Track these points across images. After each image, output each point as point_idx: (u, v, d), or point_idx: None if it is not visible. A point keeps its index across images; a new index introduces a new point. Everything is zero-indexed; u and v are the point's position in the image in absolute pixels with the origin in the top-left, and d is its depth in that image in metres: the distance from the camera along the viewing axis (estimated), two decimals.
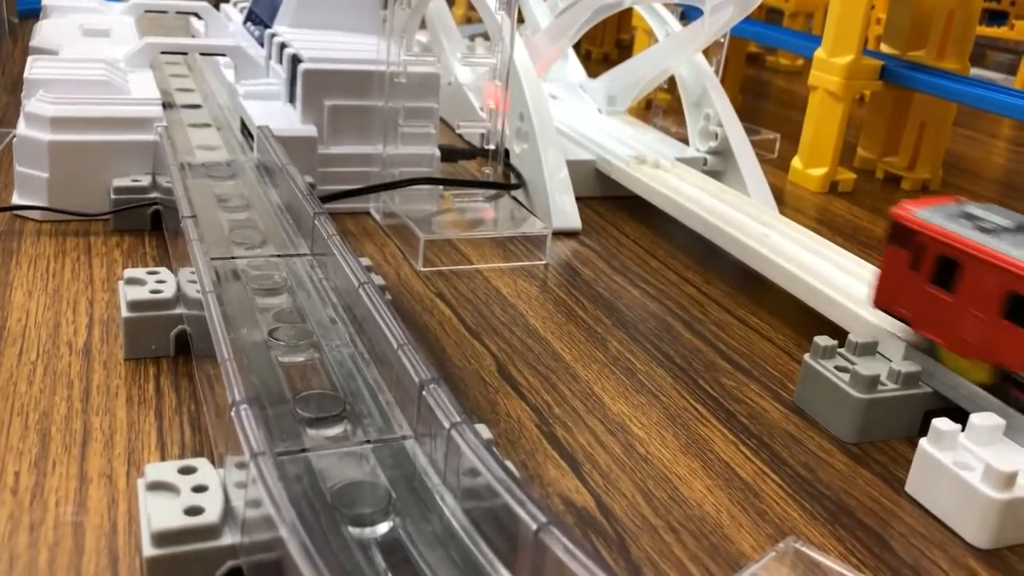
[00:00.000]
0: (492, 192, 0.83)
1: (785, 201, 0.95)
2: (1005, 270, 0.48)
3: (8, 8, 1.39)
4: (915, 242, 0.52)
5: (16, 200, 0.72)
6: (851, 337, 0.55)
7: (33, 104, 0.72)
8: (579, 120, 1.01)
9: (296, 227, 0.60)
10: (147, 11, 1.09)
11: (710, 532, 0.44)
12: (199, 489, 0.37)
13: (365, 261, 0.63)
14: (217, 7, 1.10)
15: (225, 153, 0.75)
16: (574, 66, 1.17)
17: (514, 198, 0.84)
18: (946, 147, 1.08)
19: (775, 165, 1.08)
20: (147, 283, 0.54)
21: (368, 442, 0.40)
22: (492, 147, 0.82)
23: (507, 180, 0.85)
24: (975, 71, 1.18)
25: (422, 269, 0.70)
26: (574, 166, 0.85)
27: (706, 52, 0.95)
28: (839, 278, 0.63)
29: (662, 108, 1.18)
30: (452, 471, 0.36)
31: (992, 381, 0.50)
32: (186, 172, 0.66)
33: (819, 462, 0.50)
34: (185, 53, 0.99)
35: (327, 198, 0.75)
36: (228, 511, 0.36)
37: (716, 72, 0.95)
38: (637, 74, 1.02)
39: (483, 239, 0.76)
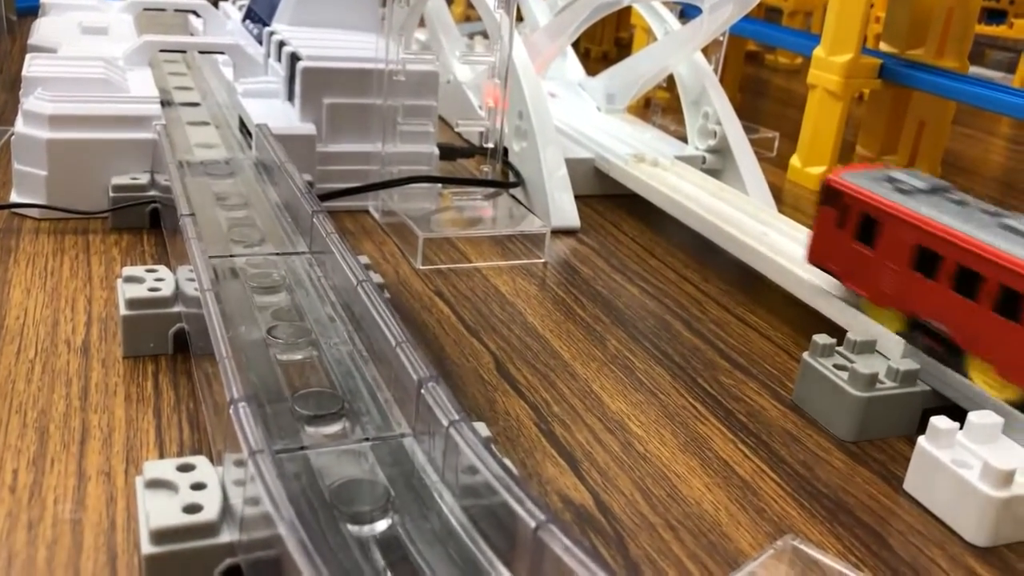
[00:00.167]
0: (491, 190, 0.83)
1: (784, 199, 0.95)
2: (915, 226, 0.53)
3: (6, 6, 1.39)
4: (842, 202, 0.58)
5: (14, 198, 0.72)
6: (849, 335, 0.55)
7: (31, 102, 0.72)
8: (578, 118, 1.01)
9: (295, 225, 0.60)
10: (145, 9, 1.09)
11: (708, 530, 0.44)
12: (198, 487, 0.36)
13: (364, 259, 0.63)
14: (216, 5, 1.10)
15: (224, 151, 0.74)
16: (573, 64, 1.17)
17: (513, 196, 0.84)
18: (945, 145, 1.08)
19: (774, 163, 1.08)
20: (146, 281, 0.54)
21: (367, 440, 0.40)
22: (491, 145, 0.82)
23: (506, 178, 0.85)
24: (974, 69, 1.18)
25: (421, 267, 0.70)
26: (573, 164, 0.85)
27: (705, 50, 0.95)
28: None
29: (661, 106, 1.18)
30: (451, 469, 0.36)
31: (905, 330, 0.55)
32: (184, 170, 0.66)
33: (817, 460, 0.50)
34: (184, 51, 0.99)
35: (326, 196, 0.75)
36: (227, 509, 0.36)
37: (715, 70, 0.95)
38: (636, 72, 1.02)
39: (482, 237, 0.76)
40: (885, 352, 0.55)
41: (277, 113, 0.79)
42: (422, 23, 1.10)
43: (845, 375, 0.52)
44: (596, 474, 0.47)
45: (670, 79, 1.00)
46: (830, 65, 0.97)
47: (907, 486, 0.48)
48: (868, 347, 0.55)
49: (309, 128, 0.78)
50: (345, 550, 0.34)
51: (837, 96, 0.97)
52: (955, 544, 0.44)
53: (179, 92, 0.88)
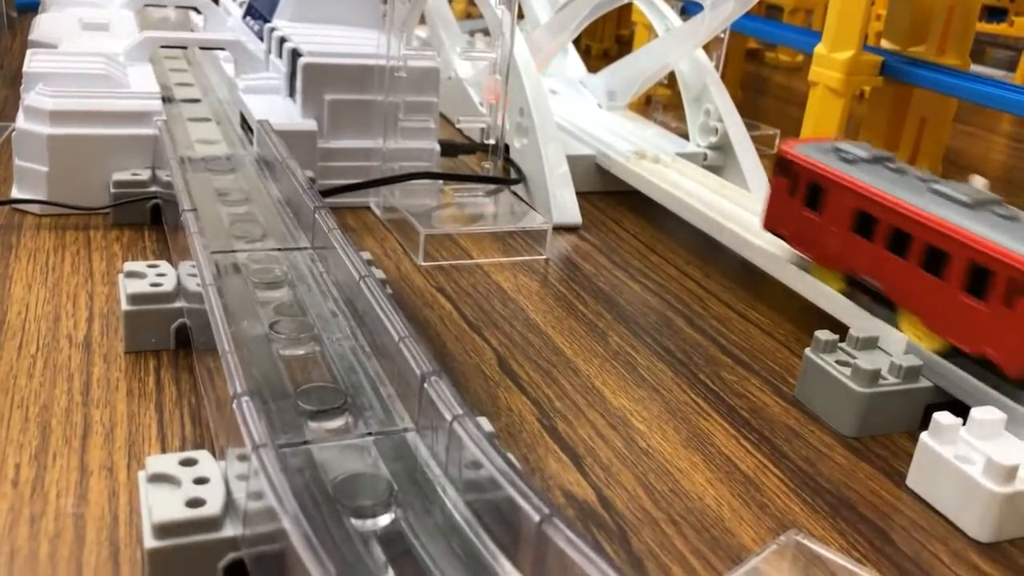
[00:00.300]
0: (492, 187, 0.83)
1: None
2: (855, 192, 0.57)
3: (7, 2, 1.38)
4: (792, 172, 0.62)
5: (15, 194, 0.72)
6: (852, 332, 0.55)
7: (32, 98, 0.72)
8: (579, 115, 1.01)
9: (296, 221, 0.60)
10: (146, 5, 1.09)
11: (711, 525, 0.44)
12: (200, 481, 0.36)
13: (365, 255, 0.63)
14: (216, 1, 1.10)
15: (225, 147, 0.74)
16: (574, 61, 1.17)
17: (514, 193, 0.84)
18: (946, 143, 1.08)
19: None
20: (147, 276, 0.54)
21: (369, 435, 0.40)
22: (492, 142, 0.82)
23: (507, 175, 0.85)
24: (974, 68, 1.18)
25: (422, 264, 0.70)
26: (574, 161, 0.85)
27: (706, 47, 0.95)
28: None
29: (662, 103, 1.18)
30: (454, 463, 0.36)
31: (844, 288, 0.60)
32: (186, 166, 0.66)
33: (820, 456, 0.50)
34: (184, 47, 0.98)
35: (327, 192, 0.75)
36: (230, 503, 0.36)
37: (716, 67, 0.95)
38: (637, 69, 1.02)
39: (483, 234, 0.76)
40: (887, 348, 0.55)
41: (278, 109, 0.79)
42: (423, 20, 1.10)
43: (848, 371, 0.52)
44: (599, 470, 0.47)
45: (671, 76, 1.00)
46: (831, 62, 0.97)
47: (910, 482, 0.48)
48: (871, 343, 0.55)
49: (310, 124, 0.78)
50: (348, 544, 0.34)
51: (838, 93, 0.97)
52: (958, 540, 0.44)
53: (180, 88, 0.88)
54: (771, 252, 0.66)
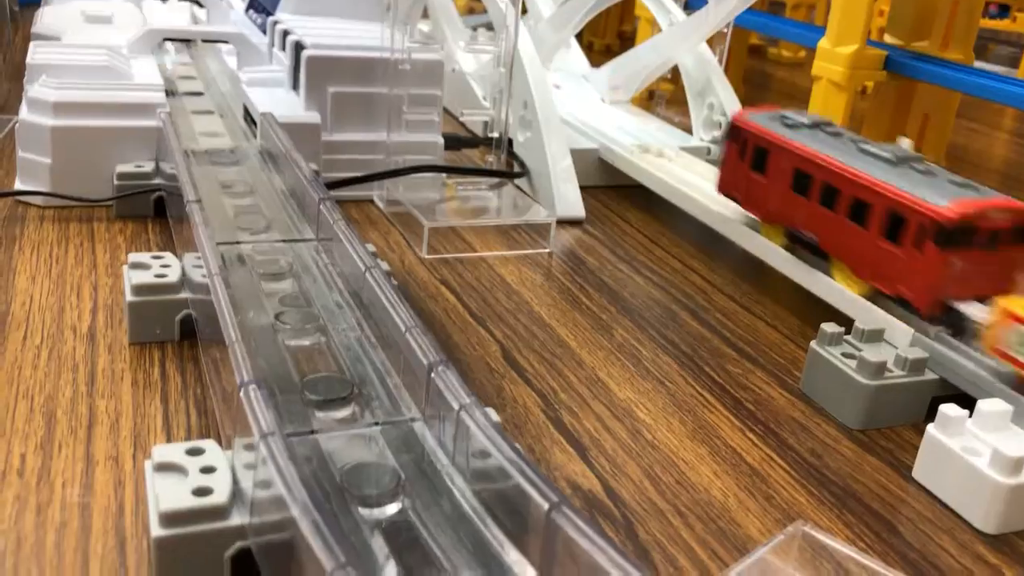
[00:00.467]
0: (496, 180, 0.83)
1: None
2: (794, 153, 0.62)
3: None
4: (741, 137, 0.68)
5: (19, 186, 0.72)
6: (857, 324, 0.55)
7: (36, 89, 0.71)
8: (582, 109, 1.01)
9: (301, 213, 0.60)
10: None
11: (717, 516, 0.44)
12: (207, 470, 0.36)
13: (370, 248, 0.63)
14: None
15: (228, 140, 0.74)
16: (577, 56, 1.17)
17: (518, 186, 0.84)
18: (949, 138, 1.08)
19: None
20: (152, 267, 0.54)
21: (376, 424, 0.40)
22: (496, 135, 0.82)
23: (511, 168, 0.85)
24: (977, 64, 1.18)
25: (426, 257, 0.70)
26: (578, 155, 0.85)
27: (709, 42, 0.95)
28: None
29: (665, 98, 1.18)
30: (461, 453, 0.36)
31: (785, 241, 0.65)
32: (190, 158, 0.66)
33: (826, 448, 0.50)
34: (188, 40, 0.98)
35: (331, 185, 0.75)
36: (236, 492, 0.36)
37: (720, 62, 0.95)
38: (640, 63, 1.01)
39: (487, 227, 0.76)
40: (893, 341, 0.55)
41: (282, 102, 0.79)
42: (425, 14, 1.10)
43: (853, 363, 0.52)
44: (604, 461, 0.47)
45: (674, 70, 1.00)
46: (835, 56, 0.97)
47: (916, 474, 0.48)
48: (876, 336, 0.55)
49: (314, 117, 0.78)
50: (356, 533, 0.34)
51: (842, 87, 0.97)
52: (964, 531, 0.44)
53: (183, 81, 0.88)
54: (772, 247, 0.66)
